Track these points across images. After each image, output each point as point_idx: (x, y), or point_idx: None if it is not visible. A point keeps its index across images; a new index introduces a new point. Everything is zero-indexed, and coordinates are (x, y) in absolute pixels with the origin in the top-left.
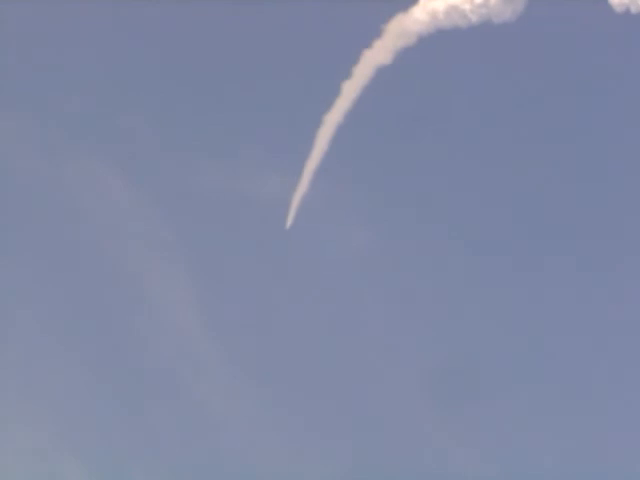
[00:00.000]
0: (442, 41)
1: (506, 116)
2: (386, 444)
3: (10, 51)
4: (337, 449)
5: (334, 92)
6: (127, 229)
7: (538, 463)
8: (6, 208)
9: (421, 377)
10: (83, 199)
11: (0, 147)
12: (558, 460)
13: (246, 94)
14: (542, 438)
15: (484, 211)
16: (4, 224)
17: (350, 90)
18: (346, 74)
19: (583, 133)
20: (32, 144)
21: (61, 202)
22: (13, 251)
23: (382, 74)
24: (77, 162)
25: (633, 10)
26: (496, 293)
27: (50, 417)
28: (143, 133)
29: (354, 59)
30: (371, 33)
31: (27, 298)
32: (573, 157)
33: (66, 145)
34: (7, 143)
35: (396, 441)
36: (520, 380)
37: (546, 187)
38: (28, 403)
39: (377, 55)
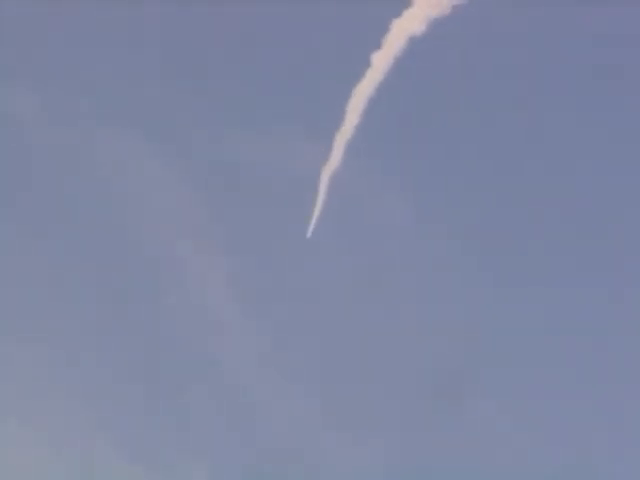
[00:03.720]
0: (477, 10)
1: (546, 85)
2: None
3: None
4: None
5: (364, 64)
6: (156, 202)
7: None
8: (36, 187)
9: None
10: (113, 173)
11: (28, 122)
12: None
13: (273, 68)
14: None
15: (524, 182)
16: (34, 203)
17: (380, 61)
18: (376, 45)
19: None
20: (59, 118)
21: (89, 175)
22: (44, 232)
23: (414, 44)
24: (107, 136)
25: None
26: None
27: (81, 399)
28: (173, 106)
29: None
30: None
31: (59, 279)
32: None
33: (95, 119)
34: (35, 118)
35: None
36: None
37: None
38: (60, 385)
39: (408, 25)
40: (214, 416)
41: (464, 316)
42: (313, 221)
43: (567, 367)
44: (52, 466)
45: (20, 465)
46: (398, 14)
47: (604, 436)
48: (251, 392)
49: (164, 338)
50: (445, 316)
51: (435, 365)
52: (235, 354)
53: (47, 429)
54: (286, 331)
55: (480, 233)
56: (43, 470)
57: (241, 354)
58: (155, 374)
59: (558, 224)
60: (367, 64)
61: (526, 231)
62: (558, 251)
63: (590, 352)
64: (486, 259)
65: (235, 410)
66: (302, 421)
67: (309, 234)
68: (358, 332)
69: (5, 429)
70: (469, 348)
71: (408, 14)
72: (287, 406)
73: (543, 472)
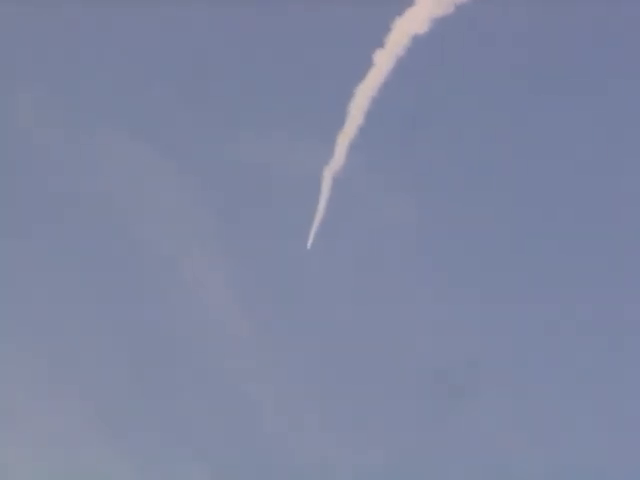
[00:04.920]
0: (481, 9)
1: (550, 85)
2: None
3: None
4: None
5: (367, 63)
6: (156, 204)
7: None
8: (32, 187)
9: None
10: (113, 174)
11: (27, 121)
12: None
13: (275, 67)
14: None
15: (529, 181)
16: (31, 205)
17: (383, 61)
18: (379, 44)
19: None
20: (59, 118)
21: (88, 175)
22: (43, 232)
23: (417, 44)
24: (106, 136)
25: None
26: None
27: (79, 400)
28: (173, 106)
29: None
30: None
31: (57, 278)
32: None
33: (93, 119)
34: (33, 117)
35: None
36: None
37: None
38: (58, 385)
39: (411, 24)
40: (214, 416)
41: (466, 316)
42: (315, 224)
43: (568, 367)
44: (51, 466)
45: (20, 465)
46: (401, 13)
47: (605, 436)
48: (251, 392)
49: (163, 338)
50: (448, 316)
51: (435, 365)
52: (235, 355)
53: (46, 429)
54: (285, 331)
55: (484, 232)
56: (42, 470)
57: (241, 355)
58: (154, 374)
59: (563, 222)
60: (370, 63)
61: (530, 230)
62: (561, 251)
63: (591, 352)
64: (489, 258)
65: (235, 410)
66: (302, 421)
67: (310, 240)
68: (359, 332)
69: (4, 429)
70: (470, 348)
71: (411, 13)
72: (287, 406)
73: (543, 472)
